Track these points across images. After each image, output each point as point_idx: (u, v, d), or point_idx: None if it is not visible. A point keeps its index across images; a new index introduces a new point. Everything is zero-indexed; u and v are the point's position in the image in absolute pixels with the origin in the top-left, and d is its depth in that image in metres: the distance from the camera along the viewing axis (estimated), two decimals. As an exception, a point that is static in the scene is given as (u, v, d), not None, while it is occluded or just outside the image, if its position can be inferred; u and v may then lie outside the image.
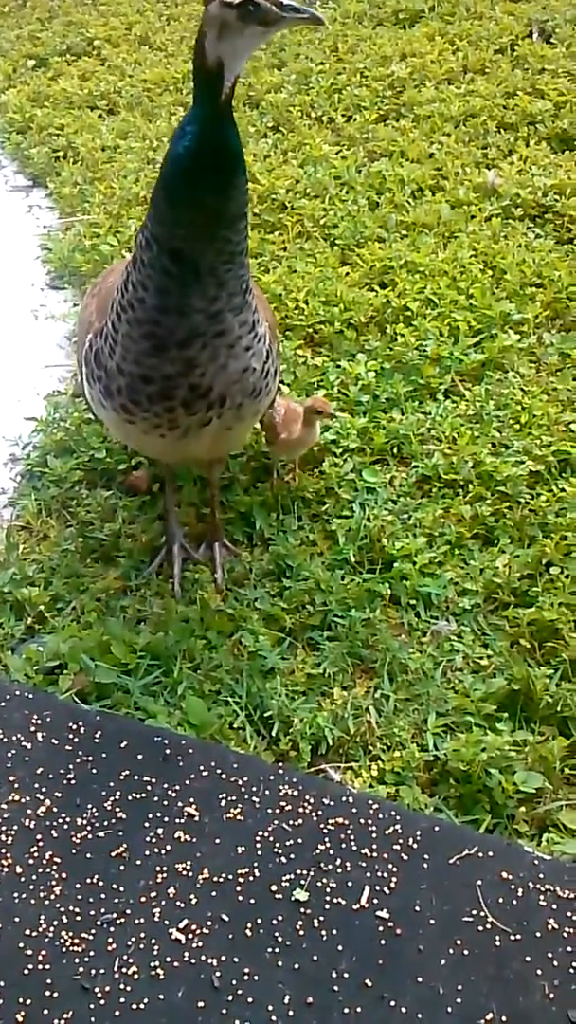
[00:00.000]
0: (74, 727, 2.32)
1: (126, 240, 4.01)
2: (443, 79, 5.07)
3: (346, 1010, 1.85)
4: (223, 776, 2.23)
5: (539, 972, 1.90)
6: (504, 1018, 1.84)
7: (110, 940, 1.95)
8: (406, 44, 5.40)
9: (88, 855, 2.08)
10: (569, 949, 1.93)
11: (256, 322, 2.35)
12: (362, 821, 2.14)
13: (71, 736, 2.31)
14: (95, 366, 2.41)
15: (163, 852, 2.09)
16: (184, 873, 2.05)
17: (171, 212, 2.14)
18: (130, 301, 2.24)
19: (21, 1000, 1.85)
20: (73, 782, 2.22)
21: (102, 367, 2.37)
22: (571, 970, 1.90)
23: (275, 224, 4.11)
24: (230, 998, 1.86)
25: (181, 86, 5.25)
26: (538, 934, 1.95)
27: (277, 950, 1.93)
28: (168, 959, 1.92)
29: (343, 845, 2.10)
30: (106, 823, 2.14)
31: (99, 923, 1.97)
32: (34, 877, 2.04)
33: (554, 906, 1.99)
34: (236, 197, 2.15)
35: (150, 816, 2.15)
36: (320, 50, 5.46)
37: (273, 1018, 1.83)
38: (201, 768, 2.24)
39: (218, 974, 1.90)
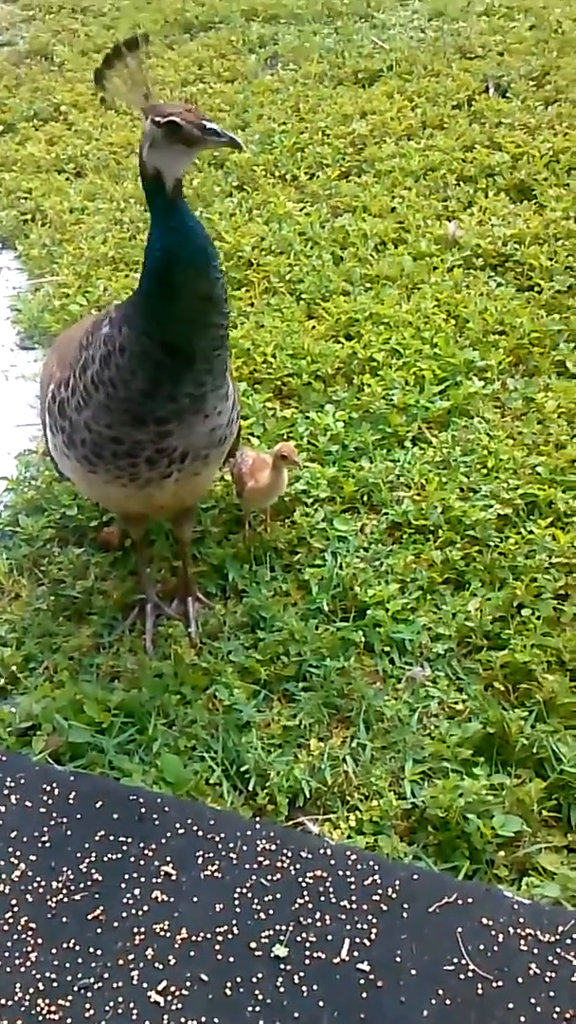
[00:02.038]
0: (48, 788, 2.31)
1: (95, 300, 4.06)
2: (403, 135, 5.19)
3: (329, 1068, 1.82)
4: (200, 833, 2.21)
5: (523, 1019, 1.88)
6: (488, 1069, 1.82)
7: (88, 1006, 1.92)
8: (366, 102, 5.53)
9: (64, 919, 2.06)
10: (552, 994, 1.91)
11: (228, 388, 2.41)
12: (341, 873, 2.13)
13: (45, 798, 2.29)
14: (58, 416, 2.44)
15: (140, 913, 2.07)
16: (162, 933, 2.03)
17: (169, 308, 2.20)
18: (112, 379, 2.28)
19: (-3, 1072, 1.82)
20: (48, 845, 2.19)
21: (66, 418, 2.40)
22: (554, 1015, 1.88)
23: (242, 280, 4.18)
24: (210, 1061, 1.84)
25: (147, 148, 5.35)
26: (520, 980, 1.94)
27: (258, 1009, 1.91)
28: (147, 1023, 1.89)
29: (322, 898, 2.08)
30: (82, 885, 2.12)
31: (76, 988, 1.94)
32: (9, 944, 2.01)
33: (535, 951, 1.98)
34: (218, 280, 2.23)
35: (126, 877, 2.13)
36: (282, 110, 5.58)
37: (255, 1079, 1.81)
38: (177, 826, 2.23)
39: (198, 1036, 1.87)
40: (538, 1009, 1.90)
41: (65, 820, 2.24)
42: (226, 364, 2.37)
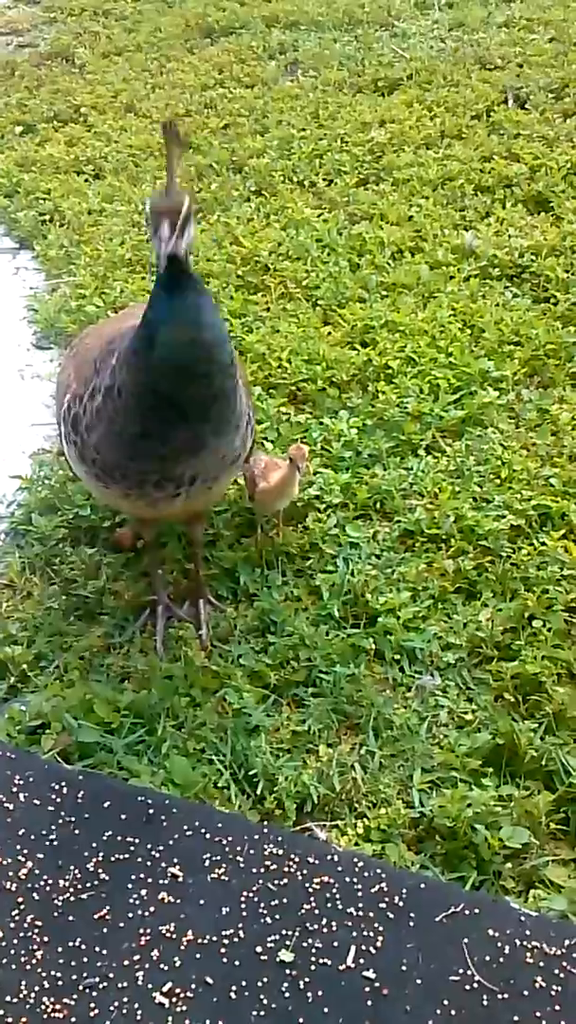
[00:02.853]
0: (56, 787, 2.31)
1: (111, 301, 4.07)
2: (421, 144, 5.20)
3: (333, 1075, 1.82)
4: (207, 836, 2.21)
5: (527, 1032, 1.88)
6: (493, 1081, 1.81)
7: (92, 1005, 1.92)
8: (385, 111, 5.54)
9: (70, 918, 2.06)
10: (557, 1008, 1.91)
11: (240, 416, 2.39)
12: (348, 880, 2.12)
13: (53, 796, 2.29)
14: (71, 429, 2.46)
15: (147, 914, 2.07)
16: (168, 935, 2.03)
17: (158, 365, 2.19)
18: (111, 417, 2.29)
19: (1, 1069, 1.82)
20: (55, 843, 2.20)
21: (78, 433, 2.42)
22: (559, 1030, 1.88)
23: (258, 285, 4.19)
24: (215, 1064, 1.83)
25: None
26: (525, 992, 1.93)
27: (263, 1013, 1.91)
28: (152, 1024, 1.89)
29: (329, 904, 2.08)
30: (89, 885, 2.12)
31: (81, 988, 1.94)
32: (15, 941, 2.02)
33: (541, 964, 1.97)
34: (206, 375, 2.21)
35: (133, 877, 2.13)
36: (302, 117, 5.59)
37: None
38: (185, 828, 2.23)
39: (202, 1039, 1.87)
40: (543, 1022, 1.89)
41: (73, 819, 2.24)
42: (232, 407, 2.33)
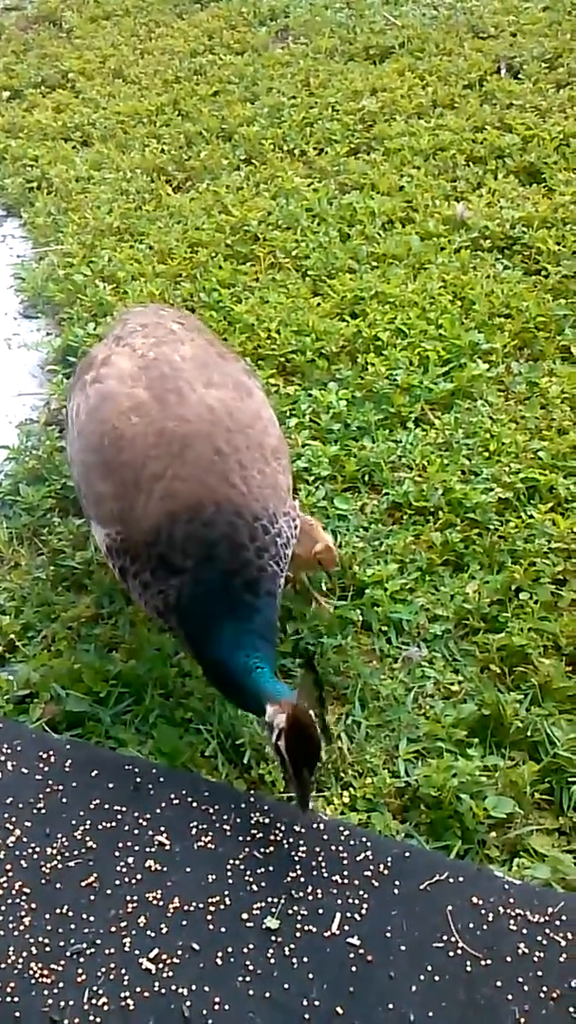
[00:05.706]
0: (44, 756, 2.32)
1: (99, 270, 4.04)
2: (413, 113, 5.15)
3: (317, 1039, 1.84)
4: (194, 804, 2.23)
5: (509, 997, 1.90)
6: (475, 1044, 1.84)
7: (79, 971, 1.94)
8: (377, 79, 5.47)
9: (58, 885, 2.07)
10: (539, 974, 1.93)
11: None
12: (333, 848, 2.14)
13: (41, 765, 2.30)
14: (109, 553, 2.41)
15: (133, 881, 2.08)
16: (155, 902, 2.05)
17: None
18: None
19: (-11, 1033, 1.84)
20: (43, 811, 2.21)
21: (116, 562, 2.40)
22: (541, 994, 1.90)
23: (247, 255, 4.16)
24: (201, 1028, 1.86)
25: (155, 118, 5.30)
26: (508, 959, 1.96)
27: (248, 979, 1.93)
28: (138, 989, 1.91)
29: (314, 872, 2.10)
30: (76, 852, 2.13)
31: (68, 954, 1.96)
32: (3, 908, 2.03)
33: (524, 931, 2.00)
34: None
35: (120, 845, 2.15)
36: (292, 84, 5.53)
37: (244, 1048, 1.83)
38: (172, 796, 2.24)
39: (188, 1004, 1.89)
40: (525, 988, 1.92)
41: (61, 788, 2.25)
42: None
